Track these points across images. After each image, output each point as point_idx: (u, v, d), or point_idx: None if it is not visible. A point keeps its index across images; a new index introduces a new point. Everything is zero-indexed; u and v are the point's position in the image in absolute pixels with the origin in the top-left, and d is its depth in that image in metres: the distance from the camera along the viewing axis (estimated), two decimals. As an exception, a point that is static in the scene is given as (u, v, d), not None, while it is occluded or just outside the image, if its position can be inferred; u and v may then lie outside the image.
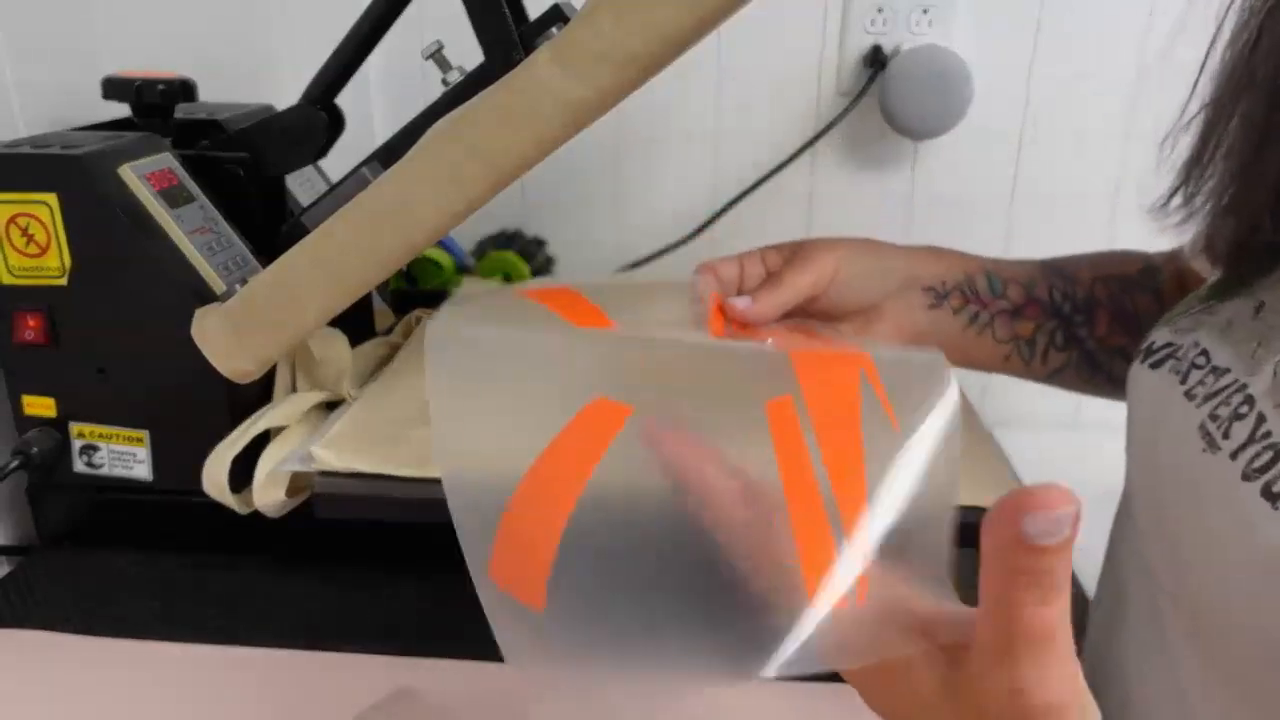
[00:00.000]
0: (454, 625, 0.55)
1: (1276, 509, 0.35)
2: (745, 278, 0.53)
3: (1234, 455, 0.38)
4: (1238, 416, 0.38)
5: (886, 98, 1.02)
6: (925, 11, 1.01)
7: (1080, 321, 0.57)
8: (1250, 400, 0.38)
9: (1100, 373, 0.58)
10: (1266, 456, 0.36)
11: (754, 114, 1.09)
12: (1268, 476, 0.36)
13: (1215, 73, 0.42)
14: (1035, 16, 1.04)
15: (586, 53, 0.46)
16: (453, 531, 0.57)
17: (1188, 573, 0.41)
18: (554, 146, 0.49)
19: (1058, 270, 0.58)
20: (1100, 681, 0.47)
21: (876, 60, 1.02)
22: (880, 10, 1.02)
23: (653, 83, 0.49)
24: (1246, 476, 0.37)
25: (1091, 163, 1.07)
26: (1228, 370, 0.40)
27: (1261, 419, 0.37)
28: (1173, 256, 0.58)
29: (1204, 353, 0.42)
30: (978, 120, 1.03)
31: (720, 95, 1.09)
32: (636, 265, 1.08)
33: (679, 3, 0.44)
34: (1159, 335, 0.45)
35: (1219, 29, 0.41)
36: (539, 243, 1.00)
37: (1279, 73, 0.38)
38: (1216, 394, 0.40)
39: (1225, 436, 0.39)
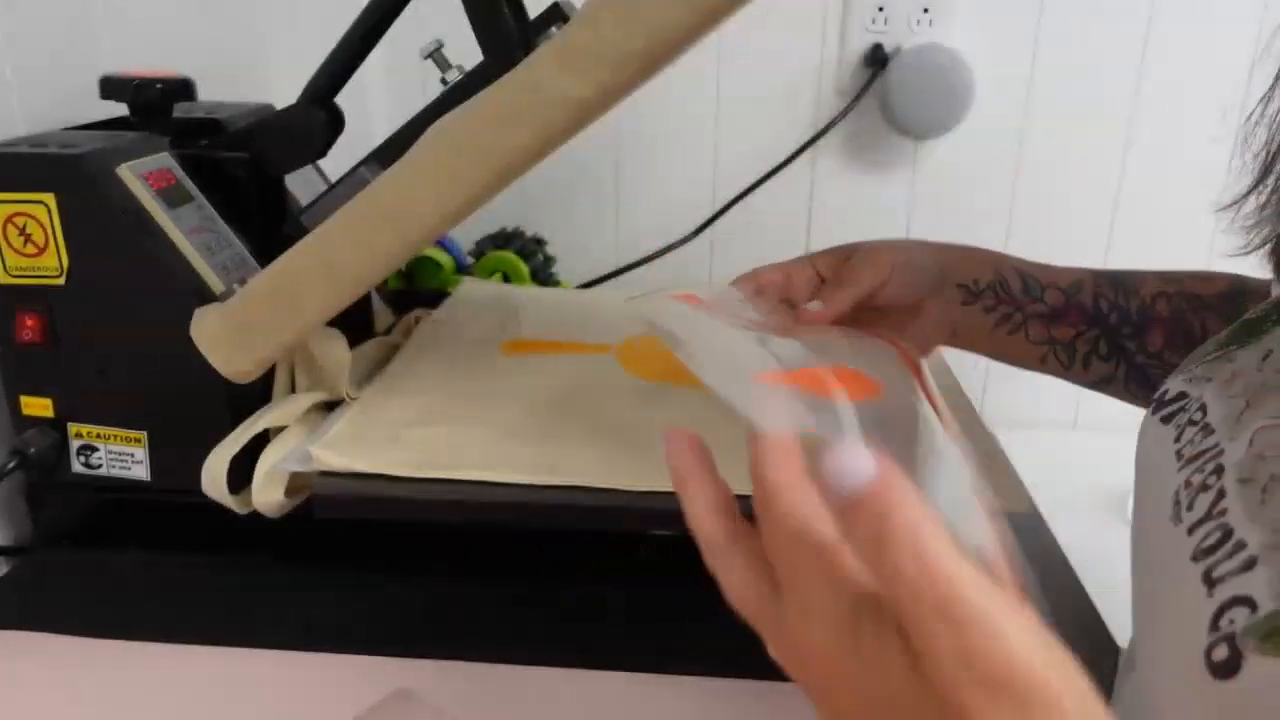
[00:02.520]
0: (454, 625, 0.55)
1: (1211, 596, 0.33)
2: (794, 284, 0.55)
3: (1190, 530, 0.36)
4: (1205, 487, 0.36)
5: (887, 97, 1.02)
6: (926, 10, 1.01)
7: (1129, 334, 0.57)
8: (1220, 470, 0.36)
9: (1145, 389, 0.57)
10: (1215, 536, 0.35)
11: (754, 114, 1.09)
12: (1210, 560, 0.34)
13: None
14: (1036, 16, 1.04)
15: (587, 52, 0.46)
16: (452, 532, 0.58)
17: (1145, 641, 0.40)
18: (554, 146, 0.49)
19: (1115, 280, 0.58)
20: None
21: (877, 59, 1.02)
22: (881, 9, 1.02)
23: (652, 82, 0.49)
24: (1195, 556, 0.35)
25: (1092, 163, 1.07)
26: (1214, 431, 0.38)
27: (1222, 494, 0.35)
28: (1267, 285, 0.54)
29: (1203, 408, 0.40)
30: (978, 120, 1.03)
31: (720, 95, 1.09)
32: (637, 265, 1.08)
33: (679, 2, 0.44)
34: (1173, 384, 0.44)
35: None
36: (539, 242, 1.00)
37: None
38: (1196, 458, 0.38)
39: (1189, 508, 0.37)
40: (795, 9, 1.04)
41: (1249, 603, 0.32)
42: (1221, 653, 0.31)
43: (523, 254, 0.97)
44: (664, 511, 0.54)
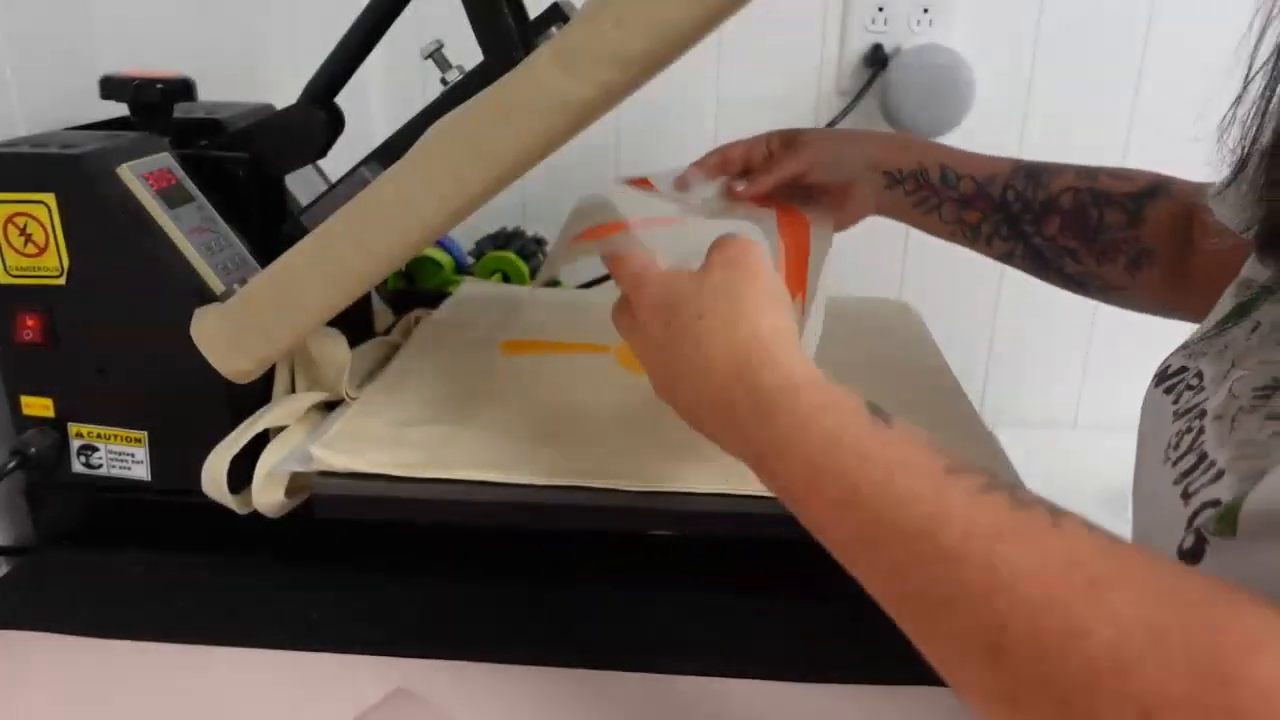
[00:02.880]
0: (454, 625, 0.55)
1: (1186, 506, 0.38)
2: (752, 156, 0.70)
3: (1175, 464, 0.40)
4: (1189, 430, 0.41)
5: (887, 97, 1.02)
6: (926, 11, 1.01)
7: (1029, 220, 0.68)
8: (1202, 414, 0.41)
9: (1049, 268, 0.68)
10: (1191, 460, 0.39)
11: (754, 113, 1.09)
12: (1188, 480, 0.38)
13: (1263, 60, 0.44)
14: (1036, 16, 1.03)
15: (587, 52, 0.46)
16: (452, 532, 0.58)
17: None
18: (554, 146, 0.49)
19: (1032, 172, 0.69)
20: None
21: (877, 59, 1.02)
22: (881, 9, 1.02)
23: (652, 82, 0.49)
24: (1175, 480, 0.39)
25: (1093, 162, 1.06)
26: (1204, 389, 0.42)
27: (1201, 431, 0.40)
28: (1193, 190, 0.62)
29: (1199, 374, 0.44)
30: (979, 119, 1.03)
31: (720, 94, 1.09)
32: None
33: (679, 2, 0.44)
34: (1174, 360, 0.47)
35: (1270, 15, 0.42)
36: (538, 242, 1.00)
37: None
38: (1187, 412, 0.42)
39: (1175, 448, 0.41)
40: (795, 9, 1.04)
41: (1215, 504, 0.36)
42: (1189, 541, 0.37)
43: (523, 254, 0.97)
44: (664, 511, 0.54)
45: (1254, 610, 0.27)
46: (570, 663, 0.52)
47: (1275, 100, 0.43)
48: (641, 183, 0.69)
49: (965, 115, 1.02)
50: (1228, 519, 0.35)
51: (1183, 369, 0.46)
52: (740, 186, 0.67)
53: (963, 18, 1.02)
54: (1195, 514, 0.37)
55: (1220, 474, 0.37)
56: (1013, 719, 0.30)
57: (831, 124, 1.03)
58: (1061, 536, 0.31)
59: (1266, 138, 0.44)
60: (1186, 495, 0.38)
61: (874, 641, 0.55)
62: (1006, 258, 0.70)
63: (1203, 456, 0.39)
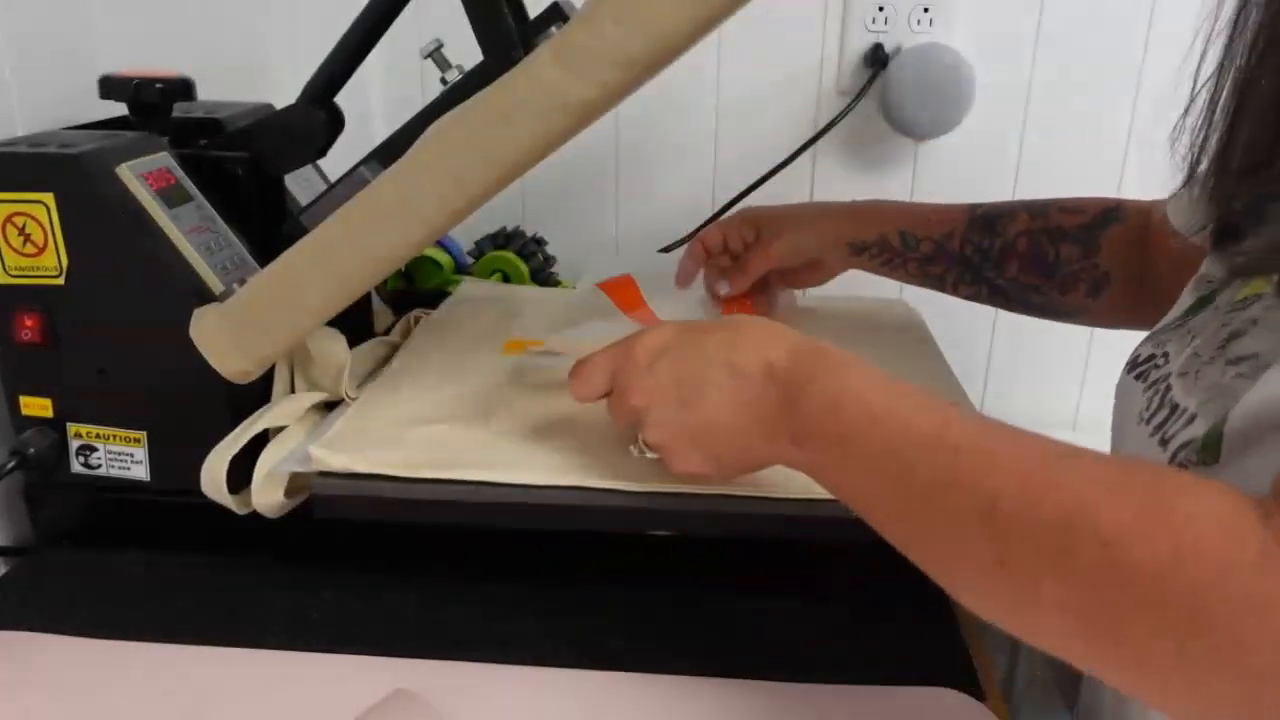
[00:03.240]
0: (454, 625, 0.55)
1: (1165, 450, 0.43)
2: (730, 241, 0.79)
3: (1149, 420, 0.46)
4: (1158, 393, 0.47)
5: (887, 97, 1.02)
6: (926, 10, 1.01)
7: (989, 267, 0.73)
8: (1168, 376, 0.47)
9: (1014, 302, 0.74)
10: (1164, 413, 0.45)
11: (754, 114, 1.09)
12: (1164, 430, 0.44)
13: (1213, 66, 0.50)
14: (1036, 16, 1.03)
15: (587, 52, 0.46)
16: (451, 532, 0.58)
17: None
18: (554, 146, 0.49)
19: (986, 222, 0.73)
20: None
21: (877, 59, 1.02)
22: (881, 8, 1.02)
23: (653, 82, 0.49)
24: (1152, 433, 0.45)
25: (1092, 163, 1.07)
26: (1170, 362, 0.48)
27: (1169, 388, 0.46)
28: (1145, 209, 0.68)
29: (1165, 355, 0.49)
30: (979, 120, 1.03)
31: (720, 95, 1.09)
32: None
33: (679, 2, 0.44)
34: (1144, 349, 0.52)
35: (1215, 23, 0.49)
36: (538, 242, 1.00)
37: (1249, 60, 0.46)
38: (1156, 382, 0.48)
39: (1148, 409, 0.47)
40: (795, 9, 1.04)
41: (1193, 444, 0.41)
42: None
43: (523, 254, 0.96)
44: (664, 511, 0.54)
45: (1187, 474, 0.35)
46: (570, 663, 0.52)
47: (1219, 111, 0.48)
48: (623, 283, 0.81)
49: (965, 115, 1.02)
50: (1210, 446, 0.40)
51: (1151, 355, 0.50)
52: (723, 289, 0.78)
53: (963, 18, 1.01)
54: (1174, 455, 0.42)
55: (1193, 418, 0.42)
56: (1003, 578, 0.36)
57: (831, 124, 1.03)
58: (1039, 435, 0.38)
59: (1214, 144, 0.49)
60: (1164, 442, 0.44)
61: (874, 641, 0.55)
62: (973, 298, 0.76)
63: (1174, 407, 0.44)
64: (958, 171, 1.08)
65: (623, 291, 0.82)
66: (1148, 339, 0.53)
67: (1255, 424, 0.38)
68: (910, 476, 0.40)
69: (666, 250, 1.06)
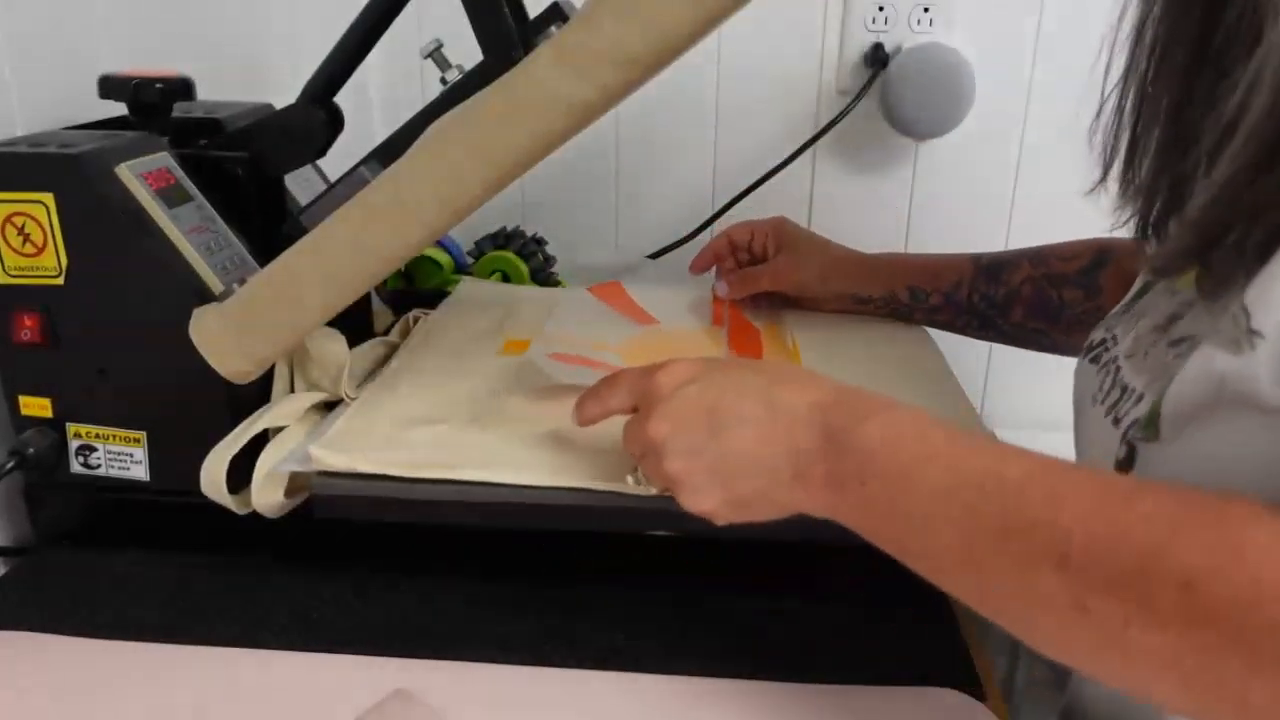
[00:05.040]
0: (454, 625, 0.55)
1: (1116, 428, 0.46)
2: (754, 244, 0.83)
3: (1102, 401, 0.49)
4: (1109, 374, 0.49)
5: (887, 97, 1.02)
6: (926, 10, 1.01)
7: (995, 313, 0.76)
8: (1116, 358, 0.49)
9: (1027, 343, 0.77)
10: (1116, 394, 0.48)
11: (754, 114, 1.09)
12: (1116, 410, 0.47)
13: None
14: (1036, 16, 1.03)
15: (587, 52, 0.46)
16: (451, 532, 0.58)
17: None
18: (554, 146, 0.49)
19: (991, 271, 0.76)
20: None
21: (877, 59, 1.02)
22: (881, 8, 1.02)
23: (653, 82, 0.49)
24: (1105, 413, 0.48)
25: (1094, 163, 1.06)
26: (1119, 344, 0.50)
27: (1119, 370, 0.49)
28: (1133, 246, 0.68)
29: (1114, 337, 0.51)
30: (979, 120, 1.03)
31: (720, 95, 1.09)
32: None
33: (679, 2, 0.44)
34: (1096, 334, 0.54)
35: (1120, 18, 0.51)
36: (538, 242, 1.00)
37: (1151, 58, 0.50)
38: (1108, 364, 0.50)
39: (1101, 389, 0.50)
40: (795, 9, 1.04)
41: (1139, 421, 0.44)
42: (1122, 452, 0.45)
43: (523, 254, 0.96)
44: (664, 511, 0.54)
45: (1243, 500, 0.34)
46: (570, 663, 0.52)
47: (1128, 113, 0.52)
48: (612, 288, 0.82)
49: (965, 115, 1.02)
50: (1151, 424, 0.43)
51: (1103, 339, 0.53)
52: (721, 290, 0.82)
53: (963, 17, 1.02)
54: (1125, 432, 0.45)
55: (1141, 397, 0.45)
56: (1086, 625, 0.35)
57: (831, 124, 1.03)
58: (1090, 467, 0.41)
59: (1125, 143, 0.52)
60: (1116, 421, 0.46)
61: (874, 641, 0.55)
62: (982, 340, 0.79)
63: (1125, 388, 0.47)
64: (958, 171, 1.08)
65: (613, 297, 0.82)
66: (1100, 324, 0.55)
67: (1189, 402, 0.40)
68: (974, 517, 0.39)
69: (656, 256, 1.06)
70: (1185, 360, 0.41)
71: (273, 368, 0.61)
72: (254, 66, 0.92)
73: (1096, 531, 0.35)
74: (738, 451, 0.46)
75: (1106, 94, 0.53)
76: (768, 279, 0.80)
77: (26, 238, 0.57)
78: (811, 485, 0.45)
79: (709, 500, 0.48)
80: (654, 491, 0.52)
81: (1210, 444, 0.40)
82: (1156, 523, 0.34)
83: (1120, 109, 0.53)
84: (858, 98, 1.03)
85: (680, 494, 0.49)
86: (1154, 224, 0.52)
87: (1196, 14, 0.47)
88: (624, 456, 0.55)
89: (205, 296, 0.57)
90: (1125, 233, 0.55)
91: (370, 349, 0.71)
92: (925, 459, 0.41)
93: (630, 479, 0.53)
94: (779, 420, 0.46)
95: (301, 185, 0.73)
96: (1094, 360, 0.53)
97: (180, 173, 0.61)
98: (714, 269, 0.85)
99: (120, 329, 0.58)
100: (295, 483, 0.58)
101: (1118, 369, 0.49)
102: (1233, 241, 0.39)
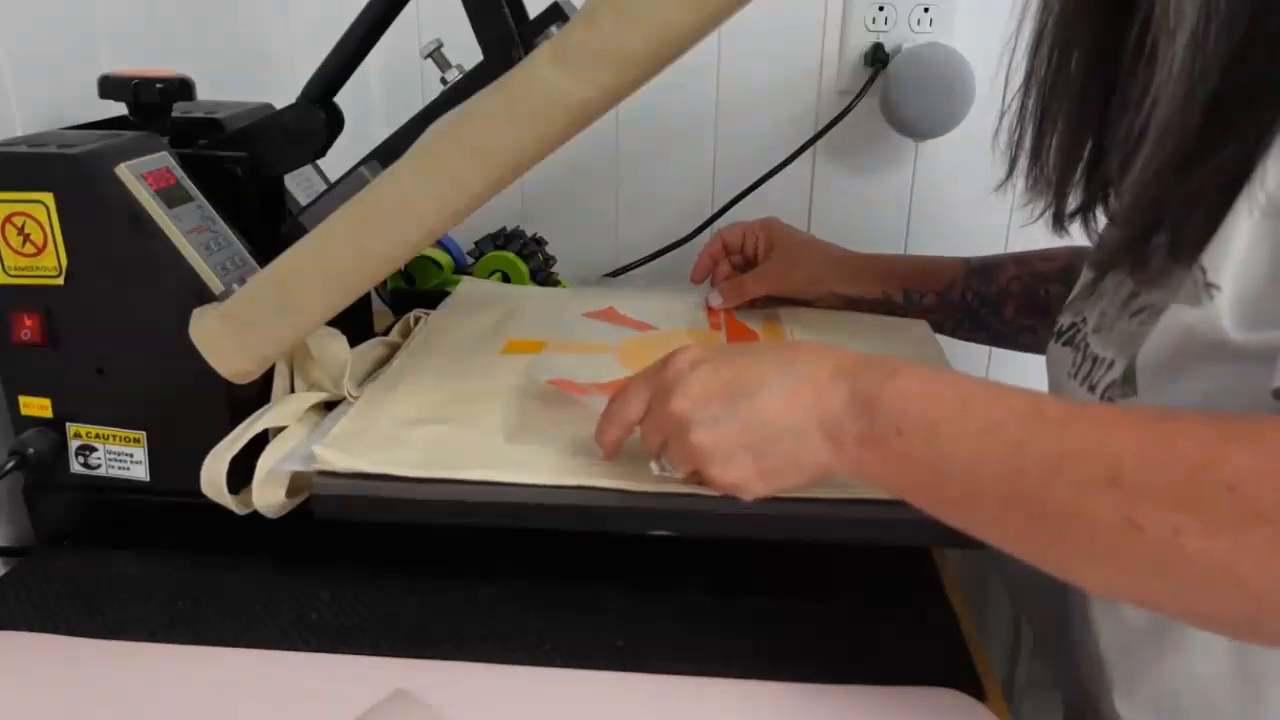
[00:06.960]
0: (454, 625, 0.55)
1: (1093, 394, 0.50)
2: (746, 246, 0.84)
3: (1076, 374, 0.52)
4: (1079, 349, 0.54)
5: (887, 97, 1.02)
6: (927, 10, 1.01)
7: (988, 311, 0.78)
8: (1085, 335, 0.54)
9: (1013, 343, 0.79)
10: (1089, 365, 0.51)
11: (754, 114, 1.09)
12: (1091, 379, 0.51)
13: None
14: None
15: (587, 52, 0.46)
16: (452, 532, 0.58)
17: None
18: (554, 146, 0.49)
19: (982, 271, 0.79)
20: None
21: (877, 59, 1.02)
22: (881, 8, 1.02)
23: (652, 82, 0.49)
24: (1081, 383, 0.51)
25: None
26: (1087, 324, 0.54)
27: (1088, 345, 0.53)
28: None
29: (1084, 319, 0.55)
30: (980, 120, 1.03)
31: (720, 95, 1.09)
32: (637, 265, 1.07)
33: (679, 2, 0.44)
34: (1064, 319, 0.59)
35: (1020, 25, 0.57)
36: (538, 242, 1.00)
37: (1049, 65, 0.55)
38: (1079, 342, 0.54)
39: (1074, 364, 0.53)
40: (795, 9, 1.04)
41: (1115, 384, 0.48)
42: None
43: (523, 254, 0.96)
44: (664, 511, 0.54)
45: (1273, 415, 0.36)
46: (570, 663, 0.52)
47: (1028, 116, 0.57)
48: (607, 314, 0.81)
49: (965, 115, 1.02)
50: (1129, 380, 0.46)
51: (1073, 323, 0.56)
52: (715, 300, 0.82)
53: (963, 18, 1.01)
54: (1103, 394, 0.48)
55: (1112, 363, 0.49)
56: (1141, 541, 0.36)
57: (831, 124, 1.03)
58: (1130, 405, 0.44)
59: (1028, 142, 0.57)
60: (1092, 387, 0.50)
61: (874, 641, 0.55)
62: (974, 340, 0.81)
63: (1096, 359, 0.51)
64: (958, 171, 1.08)
65: (608, 319, 0.82)
66: (1066, 310, 0.59)
67: (1164, 353, 0.44)
68: (1020, 452, 0.39)
69: (655, 256, 1.06)
70: (1150, 326, 0.45)
71: (273, 368, 0.61)
72: (254, 66, 0.92)
73: (1146, 449, 0.37)
74: (765, 417, 0.46)
75: (1009, 102, 0.57)
76: (759, 285, 0.81)
77: (26, 238, 0.57)
78: (843, 444, 0.45)
79: (739, 469, 0.48)
80: (679, 477, 0.52)
81: (1186, 395, 0.42)
82: (1199, 439, 0.36)
83: (1023, 111, 0.57)
84: (858, 98, 1.03)
85: (710, 467, 0.48)
86: (1070, 217, 0.57)
87: (1094, 25, 0.51)
88: (626, 456, 0.55)
89: (205, 296, 0.57)
90: (1044, 225, 0.59)
91: (370, 349, 0.71)
92: (962, 402, 0.42)
93: (654, 466, 0.52)
94: (803, 385, 0.46)
95: (301, 185, 0.73)
96: (1066, 343, 0.56)
97: (180, 173, 0.61)
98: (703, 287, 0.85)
99: (120, 329, 0.58)
100: (295, 483, 0.58)
101: (1087, 345, 0.52)
102: (1167, 230, 0.43)
